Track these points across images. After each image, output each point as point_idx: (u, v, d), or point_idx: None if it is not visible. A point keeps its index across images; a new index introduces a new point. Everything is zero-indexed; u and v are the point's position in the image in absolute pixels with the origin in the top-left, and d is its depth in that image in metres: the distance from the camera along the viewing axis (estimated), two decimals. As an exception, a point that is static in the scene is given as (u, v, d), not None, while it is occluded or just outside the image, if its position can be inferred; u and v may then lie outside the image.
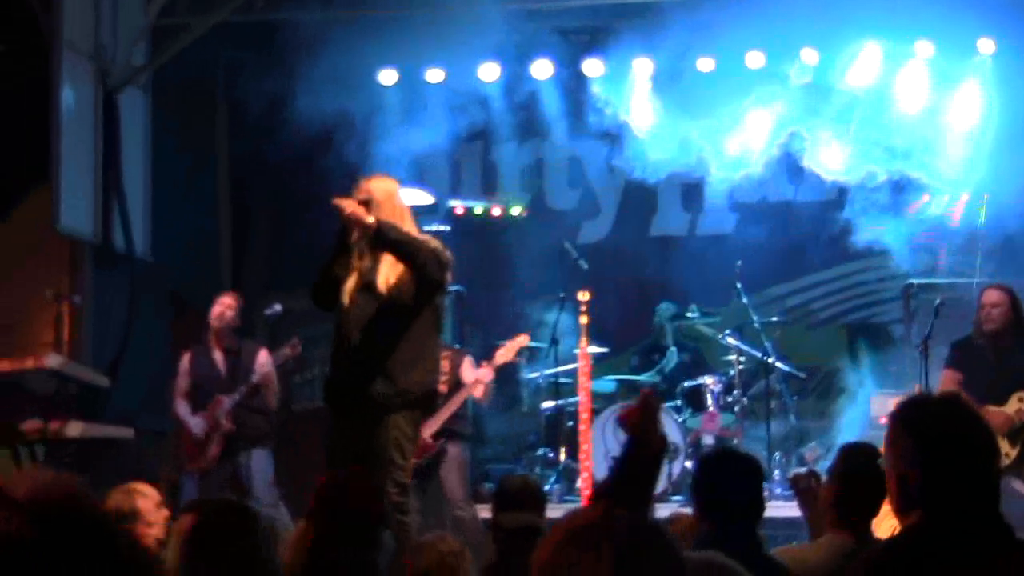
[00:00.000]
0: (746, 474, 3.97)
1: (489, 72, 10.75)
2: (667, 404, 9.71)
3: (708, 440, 9.67)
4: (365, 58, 10.14)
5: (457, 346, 8.97)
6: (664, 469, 5.91)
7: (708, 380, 9.90)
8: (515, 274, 11.30)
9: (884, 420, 3.06)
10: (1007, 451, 7.34)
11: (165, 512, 4.85)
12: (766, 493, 4.35)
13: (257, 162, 11.43)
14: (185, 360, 8.59)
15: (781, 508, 7.62)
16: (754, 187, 11.28)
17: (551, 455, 10.05)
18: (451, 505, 8.55)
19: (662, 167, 10.87)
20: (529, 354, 10.02)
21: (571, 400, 9.72)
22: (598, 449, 9.24)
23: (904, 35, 10.23)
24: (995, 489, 2.84)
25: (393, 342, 5.91)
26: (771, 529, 5.64)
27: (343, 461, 5.76)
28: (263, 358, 8.49)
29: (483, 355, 8.62)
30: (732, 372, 9.94)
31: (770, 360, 9.85)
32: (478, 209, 11.47)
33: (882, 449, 3.22)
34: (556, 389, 10.04)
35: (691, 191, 11.62)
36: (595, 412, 9.26)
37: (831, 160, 10.69)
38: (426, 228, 6.77)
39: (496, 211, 11.54)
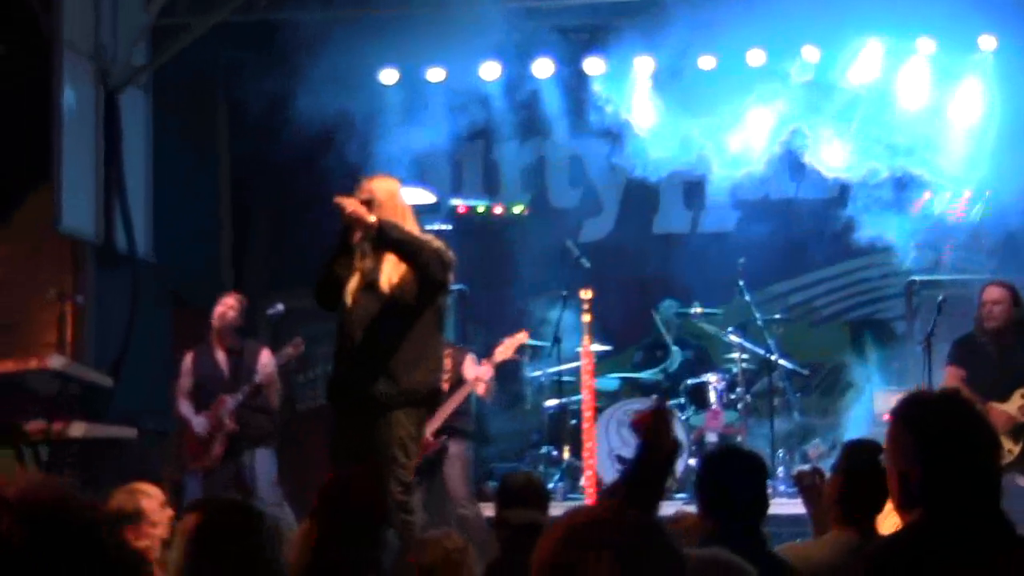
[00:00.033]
0: (750, 471, 3.97)
1: (490, 71, 10.74)
2: (670, 402, 9.71)
3: (712, 438, 9.67)
4: (366, 58, 10.13)
5: (460, 344, 8.98)
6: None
7: (711, 378, 9.89)
8: (517, 272, 11.30)
9: (887, 417, 3.05)
10: (1010, 448, 7.34)
11: (169, 512, 4.85)
12: (770, 490, 4.36)
13: (258, 162, 11.43)
14: (187, 360, 8.60)
15: (785, 505, 7.63)
16: (756, 185, 11.26)
17: (554, 453, 10.04)
18: (454, 503, 8.55)
19: (663, 165, 10.85)
20: (532, 352, 10.03)
21: (574, 398, 9.71)
22: (601, 447, 9.24)
23: (905, 32, 10.22)
24: (996, 486, 2.84)
25: (396, 342, 5.92)
26: (775, 526, 5.64)
27: (346, 460, 5.76)
28: (265, 358, 8.50)
29: (485, 353, 8.63)
30: (735, 369, 9.93)
31: (773, 357, 9.83)
32: (480, 208, 11.47)
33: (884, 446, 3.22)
34: (559, 387, 10.03)
35: (693, 189, 11.61)
36: (598, 410, 9.25)
37: (833, 157, 10.68)
38: (428, 227, 6.77)
39: (498, 210, 11.54)
